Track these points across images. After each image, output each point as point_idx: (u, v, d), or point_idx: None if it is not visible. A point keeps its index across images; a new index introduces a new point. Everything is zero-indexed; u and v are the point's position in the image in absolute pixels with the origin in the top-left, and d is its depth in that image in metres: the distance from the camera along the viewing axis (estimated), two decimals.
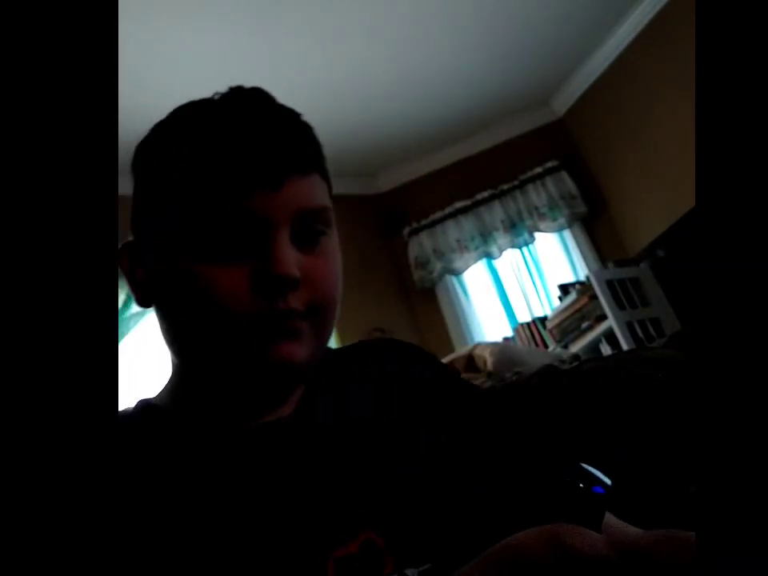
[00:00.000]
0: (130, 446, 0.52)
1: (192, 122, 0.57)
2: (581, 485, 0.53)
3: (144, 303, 0.60)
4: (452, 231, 4.00)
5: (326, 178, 0.60)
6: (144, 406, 0.59)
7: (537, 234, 3.95)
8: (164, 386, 0.62)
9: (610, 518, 0.55)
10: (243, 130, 0.55)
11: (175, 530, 0.48)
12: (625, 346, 3.07)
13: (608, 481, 0.53)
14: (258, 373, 0.55)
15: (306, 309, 0.55)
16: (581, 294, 3.39)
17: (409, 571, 0.47)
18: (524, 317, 3.80)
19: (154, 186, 0.58)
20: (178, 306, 0.57)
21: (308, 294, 0.55)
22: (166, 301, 0.58)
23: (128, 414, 0.58)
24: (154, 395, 0.61)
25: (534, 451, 0.58)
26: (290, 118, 0.59)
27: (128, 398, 0.58)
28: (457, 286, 4.01)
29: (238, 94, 0.58)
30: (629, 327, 3.16)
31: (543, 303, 3.84)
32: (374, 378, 0.62)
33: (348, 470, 0.53)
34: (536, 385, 0.94)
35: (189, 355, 0.59)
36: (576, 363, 1.82)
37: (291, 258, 0.54)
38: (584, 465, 0.57)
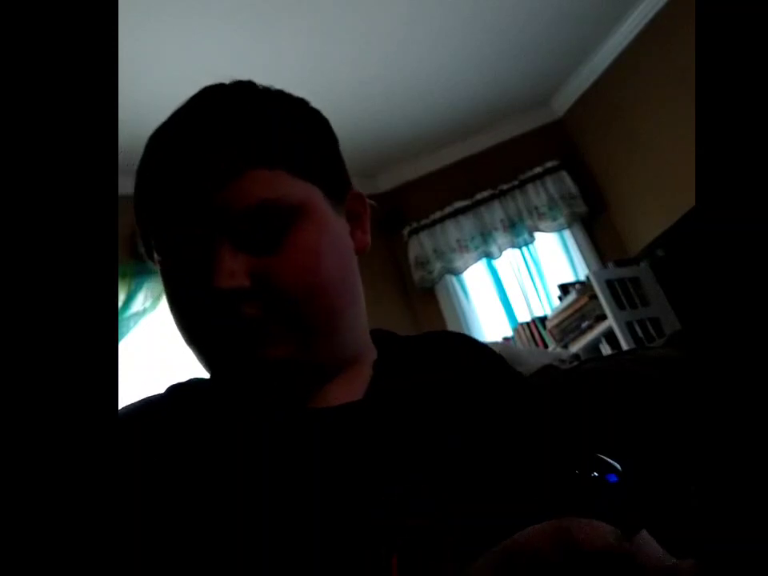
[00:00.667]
0: (204, 422, 0.53)
1: (147, 149, 0.60)
2: (595, 473, 0.52)
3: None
4: (452, 231, 4.00)
5: (277, 165, 0.57)
6: (179, 386, 0.60)
7: (537, 234, 3.95)
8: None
9: (649, 544, 0.55)
10: (174, 153, 0.57)
11: (247, 503, 0.47)
12: (625, 346, 3.07)
13: (620, 468, 0.53)
14: (252, 376, 0.55)
15: (266, 314, 0.54)
16: (581, 293, 3.39)
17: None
18: (524, 317, 3.79)
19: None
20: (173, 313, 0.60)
21: (268, 297, 0.54)
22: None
23: (189, 387, 0.59)
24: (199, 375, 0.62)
25: (546, 441, 0.58)
26: (229, 122, 0.57)
27: (128, 398, 0.58)
28: (457, 285, 4.01)
29: (197, 104, 0.60)
30: (629, 327, 3.16)
31: (543, 303, 3.84)
32: (436, 367, 0.63)
33: (414, 456, 0.52)
34: (536, 384, 0.94)
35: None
36: (576, 363, 1.82)
37: (233, 268, 0.53)
38: (597, 454, 0.57)
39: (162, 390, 0.60)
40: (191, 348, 0.58)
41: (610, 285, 3.27)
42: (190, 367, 0.63)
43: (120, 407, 0.55)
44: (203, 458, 0.50)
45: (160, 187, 0.56)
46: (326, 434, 0.53)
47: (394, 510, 0.49)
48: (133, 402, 0.57)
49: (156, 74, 2.99)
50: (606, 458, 0.54)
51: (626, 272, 3.41)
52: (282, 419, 0.54)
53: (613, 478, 0.51)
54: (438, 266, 3.98)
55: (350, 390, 0.58)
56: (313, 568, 0.45)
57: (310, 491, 0.49)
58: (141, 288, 3.32)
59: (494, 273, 4.01)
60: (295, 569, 0.45)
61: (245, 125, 0.57)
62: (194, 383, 0.60)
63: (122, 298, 3.25)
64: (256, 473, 0.50)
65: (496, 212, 3.97)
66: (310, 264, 0.57)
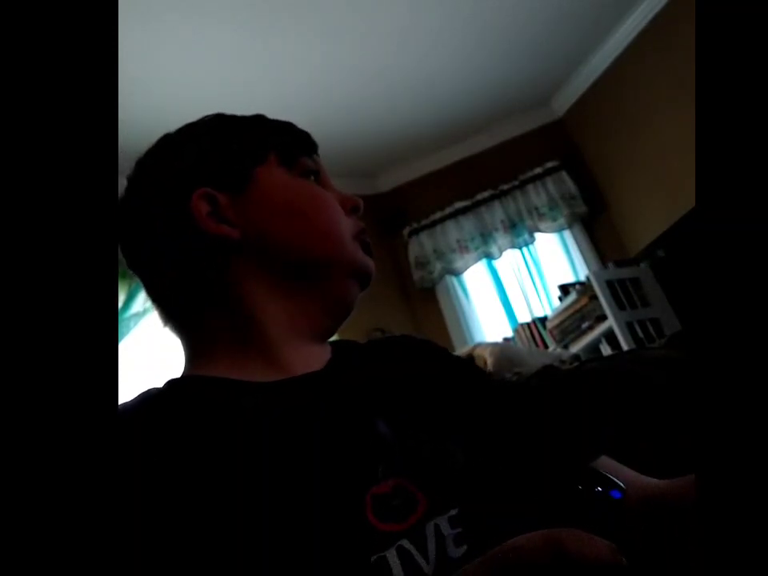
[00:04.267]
0: (168, 411, 0.54)
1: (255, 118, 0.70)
2: (598, 488, 0.53)
3: (233, 233, 0.62)
4: (452, 231, 4.00)
5: None
6: (174, 380, 0.60)
7: (537, 235, 3.95)
8: (185, 366, 0.64)
9: (627, 472, 0.58)
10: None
11: (226, 474, 0.49)
12: (625, 347, 3.07)
13: (622, 485, 0.53)
14: (363, 278, 0.66)
15: None
16: (581, 294, 3.39)
17: (439, 519, 0.48)
18: (524, 317, 3.80)
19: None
20: (286, 216, 0.63)
21: None
22: (271, 215, 0.63)
23: (159, 390, 0.59)
24: (182, 372, 0.63)
25: (547, 448, 0.59)
26: None
27: (128, 398, 0.58)
28: (457, 286, 4.01)
29: None
30: (629, 327, 3.16)
31: (543, 303, 3.84)
32: (396, 359, 0.66)
33: (379, 418, 0.55)
34: (536, 385, 0.94)
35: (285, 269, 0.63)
36: (576, 363, 1.82)
37: None
38: (598, 469, 0.57)
39: (133, 397, 0.59)
40: (327, 241, 0.63)
41: (610, 285, 3.27)
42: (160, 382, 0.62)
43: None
44: (198, 445, 0.51)
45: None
46: (293, 402, 0.55)
47: (376, 454, 0.51)
48: (127, 400, 0.57)
49: (156, 75, 2.99)
50: (610, 475, 0.54)
51: (626, 272, 3.41)
52: (260, 389, 0.56)
53: (617, 495, 0.52)
54: (438, 266, 3.98)
55: (315, 361, 0.61)
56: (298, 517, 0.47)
57: (305, 452, 0.51)
58: (141, 288, 3.31)
59: (494, 273, 4.01)
60: (284, 514, 0.47)
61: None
62: (167, 387, 0.60)
63: (122, 298, 3.25)
64: (250, 447, 0.51)
65: (496, 212, 3.97)
66: None
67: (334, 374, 0.60)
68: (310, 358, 0.61)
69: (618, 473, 0.59)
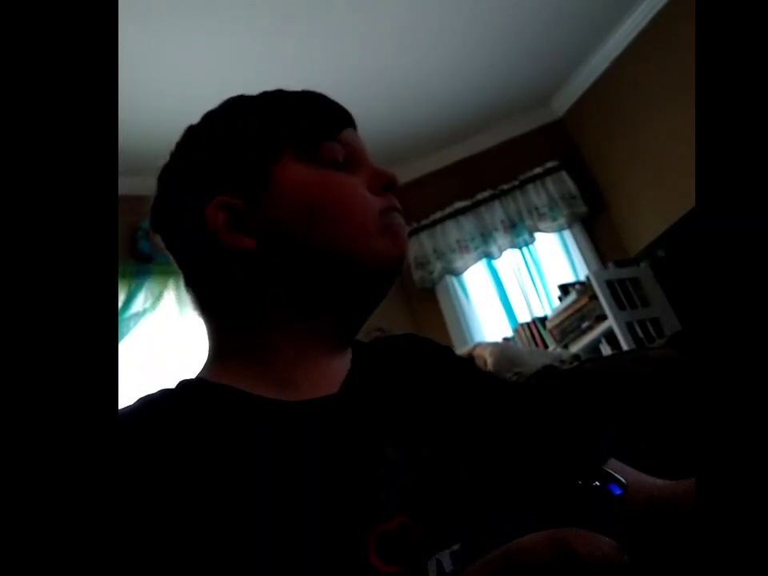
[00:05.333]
0: (172, 424, 0.52)
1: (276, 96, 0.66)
2: (597, 483, 0.53)
3: (249, 243, 0.59)
4: (452, 231, 4.00)
5: None
6: (186, 383, 0.58)
7: (537, 234, 3.95)
8: (206, 364, 0.61)
9: (631, 472, 0.58)
10: (315, 94, 0.65)
11: (224, 502, 0.47)
12: (625, 347, 3.07)
13: (623, 480, 0.53)
14: (394, 265, 0.63)
15: None
16: (581, 294, 3.39)
17: (441, 555, 0.48)
18: (524, 317, 3.79)
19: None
20: (305, 214, 0.58)
21: None
22: (290, 216, 0.58)
23: (170, 392, 0.57)
24: (197, 373, 0.61)
25: (548, 447, 0.59)
26: None
27: (128, 398, 0.58)
28: (457, 286, 4.01)
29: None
30: (629, 327, 3.16)
31: (543, 303, 3.84)
32: (406, 366, 0.65)
33: (388, 450, 0.54)
34: (536, 385, 0.94)
35: (295, 279, 0.59)
36: (576, 363, 1.82)
37: None
38: (601, 466, 0.57)
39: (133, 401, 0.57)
40: (348, 229, 0.59)
41: (610, 285, 3.27)
42: (189, 368, 0.62)
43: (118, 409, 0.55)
44: (197, 457, 0.50)
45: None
46: (302, 429, 0.53)
47: (380, 495, 0.50)
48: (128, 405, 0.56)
49: (156, 75, 2.99)
50: (610, 471, 0.54)
51: (626, 272, 3.41)
52: (269, 412, 0.54)
53: (617, 490, 0.52)
54: (438, 266, 3.98)
55: (330, 380, 0.59)
56: (296, 545, 0.46)
57: (307, 482, 0.50)
58: (141, 288, 3.32)
59: (494, 273, 4.01)
60: (284, 547, 0.46)
61: None
62: (166, 394, 0.58)
63: (122, 298, 3.25)
64: (252, 461, 0.50)
65: (496, 212, 3.97)
66: None
67: (346, 398, 0.57)
68: (325, 377, 0.59)
69: (621, 473, 0.58)
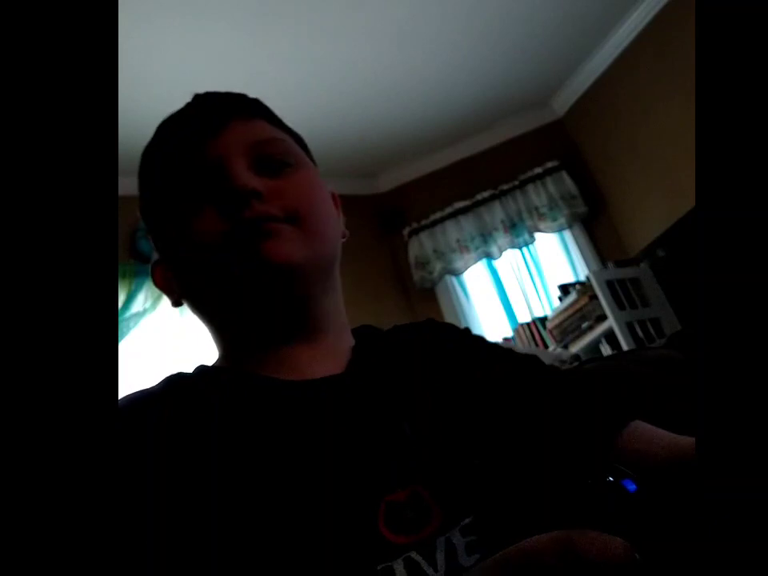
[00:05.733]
0: (193, 401, 0.54)
1: (161, 125, 0.66)
2: (610, 478, 0.52)
3: (178, 301, 0.66)
4: (452, 231, 4.00)
5: (278, 126, 0.66)
6: (204, 368, 0.62)
7: (537, 235, 3.95)
8: (218, 358, 0.65)
9: (663, 435, 0.58)
10: (188, 108, 0.65)
11: (239, 478, 0.49)
12: (625, 347, 3.07)
13: (636, 477, 0.53)
14: (254, 280, 0.57)
15: (282, 213, 0.58)
16: (581, 294, 3.39)
17: (451, 532, 0.48)
18: (524, 317, 3.80)
19: (148, 187, 0.66)
20: (183, 268, 0.63)
21: (280, 202, 0.58)
22: (179, 271, 0.64)
23: (188, 375, 0.60)
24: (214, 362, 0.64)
25: (558, 446, 0.59)
26: (230, 94, 0.66)
27: (142, 387, 0.59)
28: (457, 286, 4.01)
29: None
30: (629, 327, 3.16)
31: (543, 303, 3.84)
32: (418, 345, 0.65)
33: (397, 423, 0.55)
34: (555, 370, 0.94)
35: (208, 309, 0.64)
36: (576, 363, 1.82)
37: (248, 176, 0.58)
38: (614, 462, 0.57)
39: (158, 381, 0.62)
40: (200, 271, 0.60)
41: (610, 285, 3.27)
42: (189, 368, 0.63)
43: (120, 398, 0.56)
44: (208, 440, 0.51)
45: (181, 128, 0.64)
46: (311, 406, 0.55)
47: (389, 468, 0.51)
48: (129, 394, 0.58)
49: (155, 75, 2.99)
50: (623, 467, 0.54)
51: (626, 272, 3.41)
52: (278, 391, 0.56)
53: (631, 486, 0.51)
54: (438, 266, 3.98)
55: (333, 362, 0.60)
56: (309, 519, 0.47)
57: (316, 459, 0.51)
58: (141, 288, 3.32)
59: (494, 273, 4.01)
60: (295, 517, 0.47)
61: (244, 96, 0.66)
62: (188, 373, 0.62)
63: (122, 298, 3.25)
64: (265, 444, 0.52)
65: (496, 212, 3.97)
66: (313, 193, 0.62)
67: (354, 376, 0.59)
68: (329, 358, 0.61)
69: (654, 436, 0.58)
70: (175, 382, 0.59)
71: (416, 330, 0.70)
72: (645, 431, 0.60)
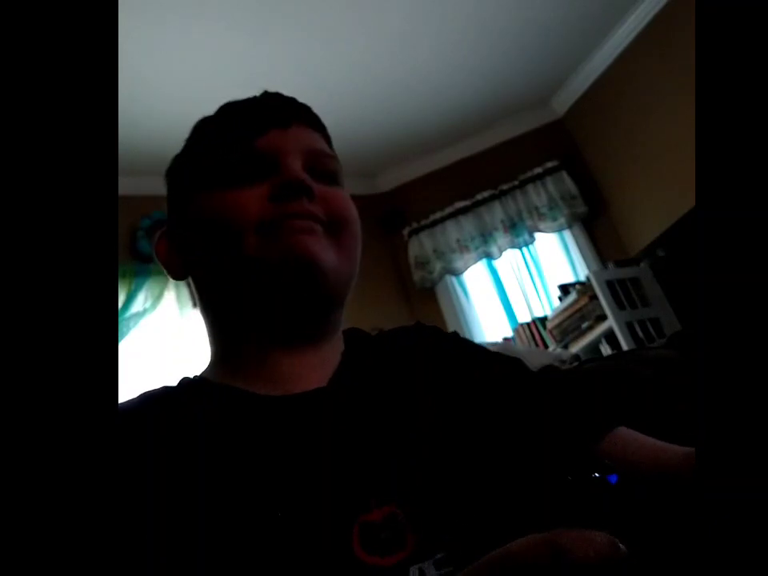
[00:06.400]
0: (170, 417, 0.54)
1: (226, 105, 0.67)
2: (595, 474, 0.52)
3: (179, 274, 0.66)
4: (452, 231, 4.00)
5: (331, 147, 0.69)
6: (187, 381, 0.62)
7: (537, 235, 3.95)
8: (207, 363, 0.65)
9: (649, 443, 0.58)
10: (257, 99, 0.67)
11: (215, 495, 0.49)
12: (625, 347, 3.07)
13: (616, 469, 0.53)
14: (279, 269, 0.57)
15: (324, 217, 0.60)
16: (581, 294, 3.39)
17: (425, 564, 0.47)
18: (524, 317, 3.80)
19: (189, 158, 0.67)
20: (203, 241, 0.61)
21: (324, 208, 0.60)
22: (194, 244, 0.63)
23: (170, 389, 0.60)
24: (200, 372, 0.64)
25: (547, 449, 0.59)
26: (298, 101, 0.69)
27: (127, 397, 0.58)
28: (457, 286, 4.01)
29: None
30: (629, 327, 3.16)
31: (543, 303, 3.84)
32: (403, 354, 0.65)
33: (378, 441, 0.54)
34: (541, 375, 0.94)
35: (216, 291, 0.62)
36: (576, 363, 1.82)
37: (305, 174, 0.60)
38: (595, 455, 0.57)
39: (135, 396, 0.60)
40: (229, 244, 0.58)
41: (610, 285, 3.27)
42: (188, 368, 0.63)
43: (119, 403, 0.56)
44: (186, 448, 0.51)
45: (248, 110, 0.65)
46: (292, 422, 0.55)
47: (366, 488, 0.50)
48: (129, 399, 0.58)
49: (155, 75, 2.99)
50: (606, 460, 0.53)
51: (626, 272, 3.41)
52: (259, 405, 0.56)
53: (614, 479, 0.51)
54: (438, 266, 3.98)
55: (321, 374, 0.60)
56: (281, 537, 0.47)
57: (300, 473, 0.51)
58: (141, 288, 3.32)
59: (494, 273, 4.01)
60: (270, 536, 0.47)
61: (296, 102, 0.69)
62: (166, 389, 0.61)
63: (122, 298, 3.25)
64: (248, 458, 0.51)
65: (496, 212, 3.97)
66: (353, 213, 0.65)
67: (337, 390, 0.59)
68: (314, 370, 0.60)
69: (641, 443, 0.58)
70: (150, 397, 0.58)
71: (404, 336, 0.69)
72: (629, 439, 0.60)
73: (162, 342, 3.27)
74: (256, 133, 0.62)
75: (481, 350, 0.70)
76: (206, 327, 0.65)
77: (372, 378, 0.61)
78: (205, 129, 0.67)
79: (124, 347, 3.14)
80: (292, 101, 0.67)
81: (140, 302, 3.30)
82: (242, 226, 0.58)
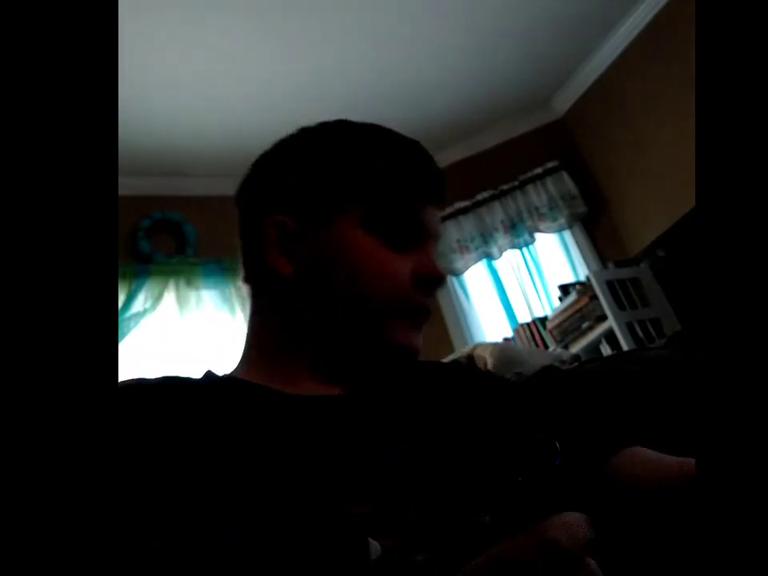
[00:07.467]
0: (203, 411, 0.55)
1: (380, 137, 0.68)
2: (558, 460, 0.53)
3: (283, 272, 0.63)
4: (452, 231, 4.00)
5: None
6: (214, 376, 0.63)
7: (537, 235, 3.95)
8: (240, 360, 0.66)
9: (646, 452, 0.60)
10: (413, 146, 0.70)
11: (227, 487, 0.49)
12: (625, 347, 3.07)
13: (559, 448, 0.54)
14: (380, 351, 0.62)
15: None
16: (581, 294, 3.39)
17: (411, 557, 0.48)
18: (524, 317, 3.79)
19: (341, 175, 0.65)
20: (340, 272, 0.62)
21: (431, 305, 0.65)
22: (320, 264, 0.63)
23: (196, 380, 0.61)
24: (231, 369, 0.66)
25: (547, 451, 0.59)
26: None
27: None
28: (457, 286, 4.01)
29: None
30: (629, 327, 3.16)
31: (543, 303, 3.83)
32: (415, 382, 0.67)
33: (370, 447, 0.55)
34: (536, 385, 0.94)
35: (316, 321, 0.63)
36: (576, 364, 1.82)
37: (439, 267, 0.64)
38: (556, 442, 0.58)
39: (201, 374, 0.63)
40: (359, 295, 0.61)
41: (610, 285, 3.27)
42: (189, 368, 0.64)
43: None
44: (202, 449, 0.51)
45: (411, 163, 0.69)
46: (305, 423, 0.56)
47: (375, 498, 0.51)
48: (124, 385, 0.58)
49: (155, 74, 2.99)
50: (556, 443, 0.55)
51: (626, 272, 3.40)
52: (274, 405, 0.58)
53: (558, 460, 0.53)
54: None
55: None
56: (294, 551, 0.47)
57: (303, 480, 0.52)
58: (141, 288, 3.32)
59: (494, 273, 4.01)
60: (280, 553, 0.47)
61: None
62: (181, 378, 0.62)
63: (122, 298, 3.25)
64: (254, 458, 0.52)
65: (496, 213, 3.97)
66: None
67: (349, 398, 0.61)
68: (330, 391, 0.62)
69: (647, 458, 0.60)
70: (174, 379, 0.59)
71: (436, 366, 0.72)
72: (640, 457, 0.61)
73: (162, 342, 3.27)
74: (423, 200, 0.66)
75: (497, 378, 0.72)
76: (253, 331, 0.66)
77: (385, 395, 0.62)
78: (361, 148, 0.66)
79: (124, 347, 3.14)
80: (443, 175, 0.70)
81: (140, 302, 3.30)
82: (385, 294, 0.61)
